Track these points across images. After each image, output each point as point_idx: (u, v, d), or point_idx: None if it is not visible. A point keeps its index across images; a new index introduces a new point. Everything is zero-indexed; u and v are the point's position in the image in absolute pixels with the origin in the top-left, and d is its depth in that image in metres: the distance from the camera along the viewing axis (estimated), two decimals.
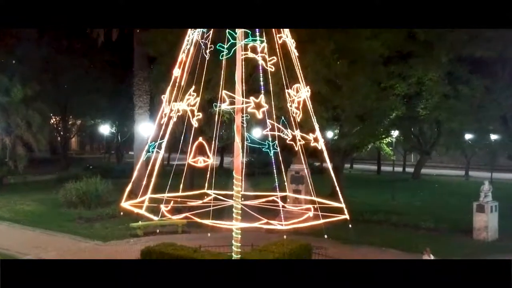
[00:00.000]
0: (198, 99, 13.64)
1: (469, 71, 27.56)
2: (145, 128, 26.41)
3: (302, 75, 13.30)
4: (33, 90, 32.74)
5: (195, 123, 13.45)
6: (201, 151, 12.78)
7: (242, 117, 13.21)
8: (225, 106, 12.57)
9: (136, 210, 12.43)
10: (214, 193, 14.32)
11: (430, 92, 26.25)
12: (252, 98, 12.14)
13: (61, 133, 49.62)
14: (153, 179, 12.94)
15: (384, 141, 37.37)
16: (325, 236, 12.10)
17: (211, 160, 12.29)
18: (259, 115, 12.15)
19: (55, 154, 54.61)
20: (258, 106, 12.18)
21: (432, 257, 17.32)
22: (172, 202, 13.54)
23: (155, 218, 12.01)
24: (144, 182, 13.00)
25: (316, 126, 13.40)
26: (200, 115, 13.69)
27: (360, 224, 20.89)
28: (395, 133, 34.61)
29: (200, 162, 12.47)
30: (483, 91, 26.65)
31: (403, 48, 24.23)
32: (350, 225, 12.66)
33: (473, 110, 25.56)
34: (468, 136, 45.69)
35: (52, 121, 50.33)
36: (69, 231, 21.96)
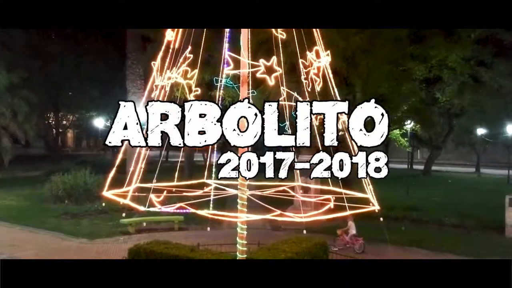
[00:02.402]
0: (196, 71, 11.49)
1: (493, 55, 25.39)
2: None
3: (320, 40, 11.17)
4: (20, 78, 30.35)
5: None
6: None
7: (249, 93, 11.22)
8: (228, 70, 10.36)
9: (120, 200, 10.36)
10: (214, 183, 12.17)
11: (454, 75, 23.77)
12: (262, 61, 9.92)
13: (54, 127, 47.25)
14: (139, 166, 10.82)
15: (399, 132, 35.15)
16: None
17: None
18: (271, 81, 9.94)
19: (50, 151, 52.34)
20: (269, 70, 9.97)
21: (353, 225, 15.67)
22: (165, 192, 11.59)
23: (141, 208, 9.93)
24: (131, 169, 10.85)
25: (338, 98, 11.25)
26: (199, 91, 11.51)
27: (377, 220, 18.51)
28: (409, 124, 32.18)
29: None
30: (506, 75, 24.45)
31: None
32: (381, 218, 10.71)
33: (499, 93, 23.32)
34: (480, 131, 43.88)
35: (47, 115, 48.15)
36: (52, 227, 19.59)
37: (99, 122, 46.04)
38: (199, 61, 11.62)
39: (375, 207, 10.16)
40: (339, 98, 10.73)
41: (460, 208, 24.79)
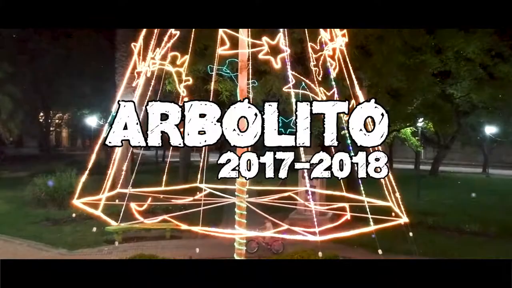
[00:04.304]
0: (187, 57, 9.68)
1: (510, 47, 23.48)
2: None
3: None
4: (4, 72, 28.42)
5: (182, 91, 9.41)
6: None
7: (248, 84, 9.24)
8: (224, 51, 8.49)
9: (90, 210, 8.58)
10: (209, 188, 10.36)
11: (472, 69, 21.84)
12: (265, 39, 8.10)
13: (44, 125, 45.23)
14: (112, 168, 8.98)
15: (410, 130, 33.19)
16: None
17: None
18: (277, 64, 8.10)
19: (42, 150, 50.49)
20: (274, 50, 8.17)
21: (271, 225, 14.40)
22: (149, 199, 9.91)
23: (113, 223, 8.17)
24: (109, 171, 9.04)
25: (357, 88, 9.46)
26: (190, 80, 9.67)
27: (389, 227, 16.62)
28: (420, 122, 30.26)
29: None
30: None
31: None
32: (411, 234, 8.96)
33: None
34: (489, 130, 42.24)
35: (37, 113, 46.24)
36: (30, 235, 17.69)
37: (92, 121, 44.03)
38: (190, 45, 9.83)
39: (403, 219, 8.44)
40: (356, 85, 9.01)
41: (476, 212, 23.02)
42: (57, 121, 52.73)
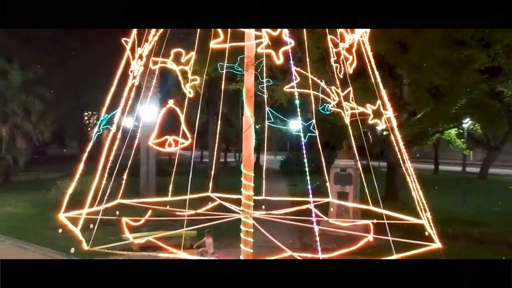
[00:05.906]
0: (193, 54, 8.60)
1: None
2: (151, 113, 21.27)
3: None
4: (36, 74, 28.36)
5: (189, 92, 8.30)
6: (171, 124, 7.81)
7: (263, 83, 8.26)
8: (216, 44, 7.33)
9: (71, 226, 7.87)
10: (220, 198, 9.25)
11: None
12: (265, 30, 6.91)
13: (79, 126, 45.53)
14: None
15: (454, 131, 30.95)
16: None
17: (189, 141, 7.11)
18: (278, 59, 6.93)
19: (82, 151, 51.15)
20: (276, 43, 6.98)
21: (211, 239, 13.81)
22: (149, 212, 9.05)
23: (85, 247, 7.34)
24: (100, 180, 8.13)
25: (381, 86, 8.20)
26: (197, 80, 8.55)
27: (429, 239, 14.72)
28: (466, 123, 28.10)
29: (170, 144, 7.32)
30: None
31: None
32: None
33: None
34: None
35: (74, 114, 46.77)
36: (46, 242, 17.12)
37: (128, 122, 44.01)
38: (196, 41, 8.73)
39: (436, 244, 7.14)
40: (380, 82, 7.66)
41: None
42: (95, 121, 53.23)
